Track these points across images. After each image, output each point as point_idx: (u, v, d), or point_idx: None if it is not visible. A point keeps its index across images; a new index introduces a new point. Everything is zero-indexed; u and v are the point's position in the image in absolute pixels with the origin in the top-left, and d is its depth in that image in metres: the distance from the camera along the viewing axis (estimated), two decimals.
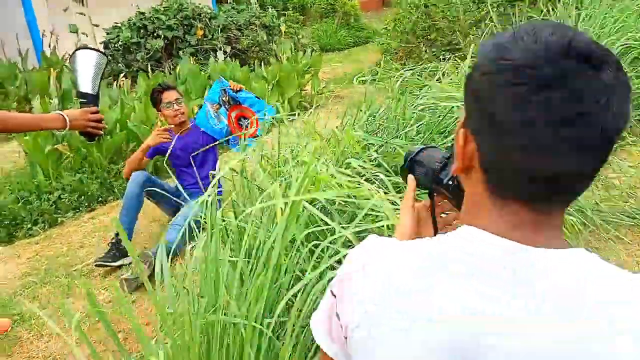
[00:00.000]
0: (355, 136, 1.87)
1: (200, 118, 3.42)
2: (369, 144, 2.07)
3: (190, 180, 3.50)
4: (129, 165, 3.33)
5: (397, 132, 2.21)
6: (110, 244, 3.06)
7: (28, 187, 4.10)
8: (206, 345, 1.37)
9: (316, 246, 1.42)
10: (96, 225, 3.77)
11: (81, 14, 9.68)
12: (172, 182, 3.63)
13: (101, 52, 2.05)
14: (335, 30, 12.01)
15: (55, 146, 4.28)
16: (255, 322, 1.33)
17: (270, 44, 9.60)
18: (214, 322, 1.35)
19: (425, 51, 4.94)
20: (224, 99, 3.36)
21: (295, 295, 1.50)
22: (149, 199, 3.30)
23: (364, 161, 1.83)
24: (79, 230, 3.71)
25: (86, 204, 4.08)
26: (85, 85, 1.97)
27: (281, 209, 1.27)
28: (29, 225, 3.73)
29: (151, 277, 2.86)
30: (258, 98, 3.40)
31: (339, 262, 1.49)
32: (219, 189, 3.52)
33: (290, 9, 12.82)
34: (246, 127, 3.30)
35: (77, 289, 2.90)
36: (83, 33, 9.14)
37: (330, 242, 1.35)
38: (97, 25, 8.96)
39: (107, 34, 9.10)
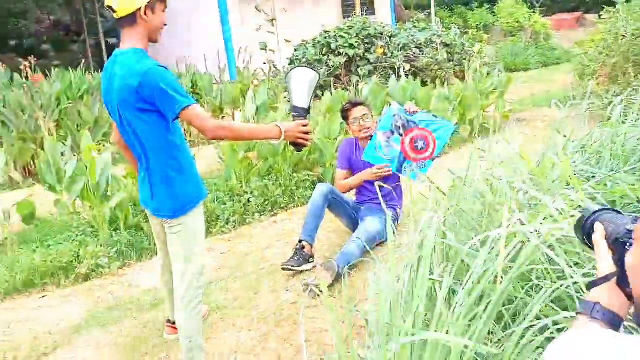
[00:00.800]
0: (571, 166, 1.72)
1: (368, 151, 3.37)
2: (581, 175, 1.90)
3: (370, 195, 3.58)
4: (345, 189, 3.56)
5: (612, 164, 1.99)
6: (294, 250, 3.23)
7: (222, 189, 4.53)
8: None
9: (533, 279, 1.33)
10: (279, 229, 4.03)
11: (271, 32, 10.53)
12: (353, 196, 3.74)
13: (314, 70, 2.18)
14: (522, 50, 11.43)
15: (247, 154, 4.67)
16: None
17: (451, 62, 9.48)
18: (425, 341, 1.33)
19: (636, 76, 4.44)
20: (397, 124, 3.30)
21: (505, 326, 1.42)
22: (329, 209, 3.43)
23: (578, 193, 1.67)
24: (264, 232, 3.99)
25: (270, 208, 4.38)
26: (300, 99, 2.11)
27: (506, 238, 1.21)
28: (223, 223, 4.11)
29: (331, 285, 2.97)
30: (436, 117, 3.30)
31: (554, 301, 1.38)
32: (397, 205, 3.53)
33: (474, 27, 12.53)
34: (422, 149, 3.24)
35: (264, 287, 3.11)
36: (271, 50, 9.94)
37: (557, 284, 1.25)
38: (289, 41, 9.66)
39: (295, 50, 9.76)
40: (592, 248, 0.94)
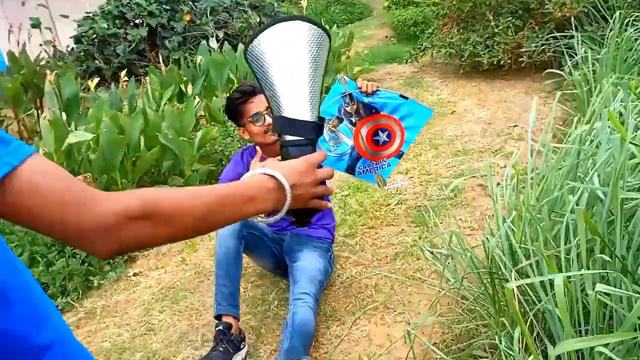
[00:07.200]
0: None
1: None
2: None
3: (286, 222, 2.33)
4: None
5: None
6: (216, 335, 2.01)
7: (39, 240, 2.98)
8: None
9: None
10: (152, 284, 2.70)
11: (42, 5, 8.31)
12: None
13: (321, 27, 0.96)
14: (325, 7, 11.12)
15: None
16: None
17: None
18: None
19: (490, 20, 4.10)
20: (347, 108, 2.16)
21: None
22: (244, 252, 2.25)
23: None
24: (131, 297, 2.62)
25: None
26: (296, 103, 0.91)
27: None
28: (59, 297, 2.63)
29: None
30: (404, 97, 2.23)
31: None
32: (330, 223, 2.48)
33: None
34: (384, 143, 2.17)
35: None
36: (47, 28, 7.77)
37: None
38: (66, 16, 7.60)
39: (79, 25, 7.79)
40: None
